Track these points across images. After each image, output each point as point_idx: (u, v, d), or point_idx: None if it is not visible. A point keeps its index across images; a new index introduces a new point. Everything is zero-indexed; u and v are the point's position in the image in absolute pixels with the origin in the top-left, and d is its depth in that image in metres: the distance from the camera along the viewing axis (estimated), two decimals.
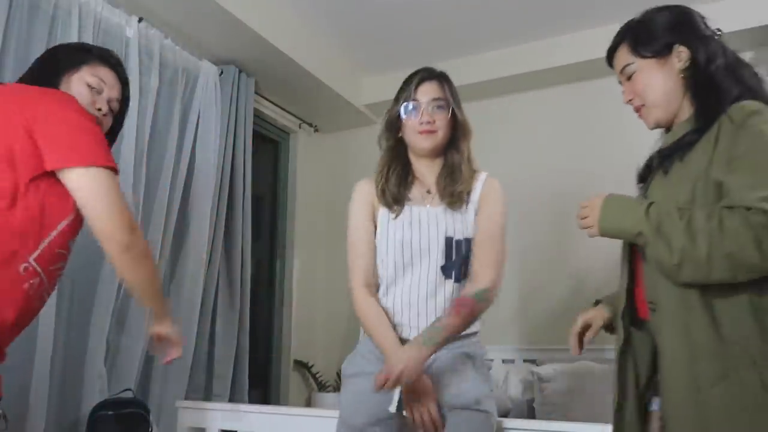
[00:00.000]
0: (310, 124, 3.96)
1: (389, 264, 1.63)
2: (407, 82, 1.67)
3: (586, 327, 1.46)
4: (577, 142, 3.46)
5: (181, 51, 2.91)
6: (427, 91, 1.64)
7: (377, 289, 1.65)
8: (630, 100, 1.35)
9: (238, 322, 3.02)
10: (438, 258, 1.59)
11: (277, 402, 3.55)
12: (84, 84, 1.46)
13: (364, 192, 1.70)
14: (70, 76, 1.46)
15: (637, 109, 1.35)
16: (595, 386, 2.90)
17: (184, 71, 2.94)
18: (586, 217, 1.24)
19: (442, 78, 1.69)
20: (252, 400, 3.14)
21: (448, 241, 1.59)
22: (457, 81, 3.78)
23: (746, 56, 3.32)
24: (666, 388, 1.19)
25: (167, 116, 2.83)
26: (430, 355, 1.46)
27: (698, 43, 1.27)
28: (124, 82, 1.57)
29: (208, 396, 2.87)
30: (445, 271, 1.58)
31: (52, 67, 1.48)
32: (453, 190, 1.61)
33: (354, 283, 1.64)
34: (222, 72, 3.13)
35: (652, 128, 1.36)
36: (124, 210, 1.35)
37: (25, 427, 2.07)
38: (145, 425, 2.23)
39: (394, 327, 1.58)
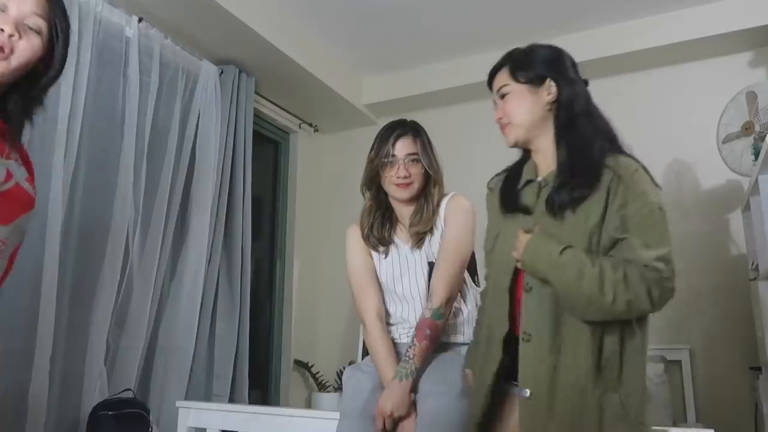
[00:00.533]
0: (310, 124, 3.96)
1: (390, 296, 1.85)
2: (385, 138, 1.83)
3: None
4: None
5: (181, 51, 2.91)
6: (403, 147, 1.81)
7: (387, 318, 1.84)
8: (500, 119, 1.48)
9: (238, 322, 3.02)
10: (423, 288, 1.79)
11: (277, 402, 3.55)
12: None
13: (357, 235, 1.89)
14: None
15: (503, 127, 1.48)
16: None
17: (184, 71, 2.94)
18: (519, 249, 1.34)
19: (415, 133, 1.85)
20: (252, 400, 3.14)
21: (431, 265, 1.80)
22: (456, 81, 3.82)
23: (746, 56, 3.35)
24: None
25: (167, 116, 2.83)
26: (412, 384, 1.64)
27: (565, 84, 1.44)
28: None
29: (208, 396, 2.87)
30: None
31: None
32: (414, 231, 1.82)
33: (366, 317, 1.81)
34: (222, 72, 3.13)
35: (511, 146, 1.50)
36: None
37: (25, 427, 2.07)
38: (145, 425, 2.23)
39: (397, 351, 1.76)
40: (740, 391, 2.90)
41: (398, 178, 1.79)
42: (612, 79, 3.44)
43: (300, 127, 3.93)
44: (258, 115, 3.52)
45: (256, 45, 3.01)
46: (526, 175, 1.48)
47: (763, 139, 2.60)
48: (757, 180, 2.34)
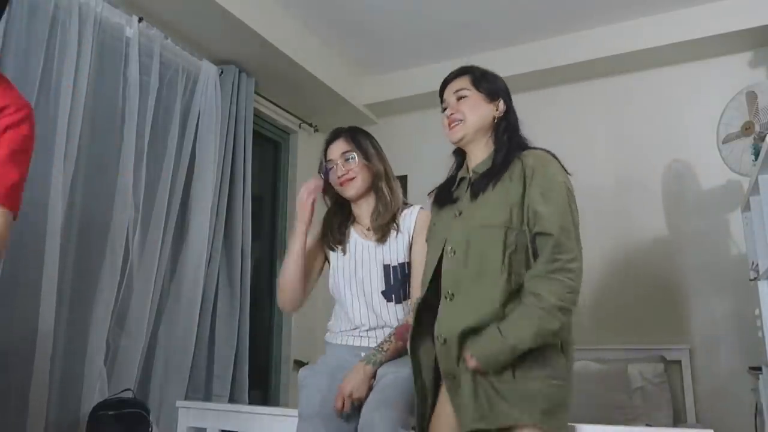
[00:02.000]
0: (310, 124, 3.97)
1: (342, 293, 1.92)
2: (323, 149, 1.97)
3: None
4: (575, 141, 3.46)
5: (181, 51, 2.91)
6: (336, 149, 1.92)
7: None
8: (453, 114, 1.68)
9: (238, 322, 3.02)
10: (378, 284, 1.86)
11: (277, 402, 3.55)
12: None
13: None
14: None
15: (454, 122, 1.67)
16: (594, 386, 2.89)
17: (184, 71, 2.94)
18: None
19: (347, 133, 1.96)
20: (252, 401, 3.14)
21: (386, 268, 1.87)
22: None
23: (746, 56, 3.34)
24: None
25: (167, 116, 2.83)
26: (374, 370, 1.72)
27: (510, 107, 1.74)
28: None
29: (208, 396, 2.87)
30: (386, 294, 1.85)
31: None
32: (378, 226, 1.88)
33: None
34: (222, 72, 3.13)
35: (456, 141, 1.69)
36: None
37: (26, 427, 2.07)
38: (145, 425, 2.23)
39: (353, 331, 1.88)
40: (740, 391, 2.90)
41: (339, 177, 1.89)
42: (612, 79, 3.44)
43: (300, 127, 3.93)
44: (258, 115, 3.52)
45: (256, 45, 3.01)
46: (461, 175, 1.73)
47: (763, 139, 2.60)
48: (757, 180, 2.34)
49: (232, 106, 3.14)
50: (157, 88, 2.75)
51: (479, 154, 1.68)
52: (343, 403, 1.66)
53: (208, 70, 3.04)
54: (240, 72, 3.21)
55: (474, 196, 1.59)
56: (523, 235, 1.50)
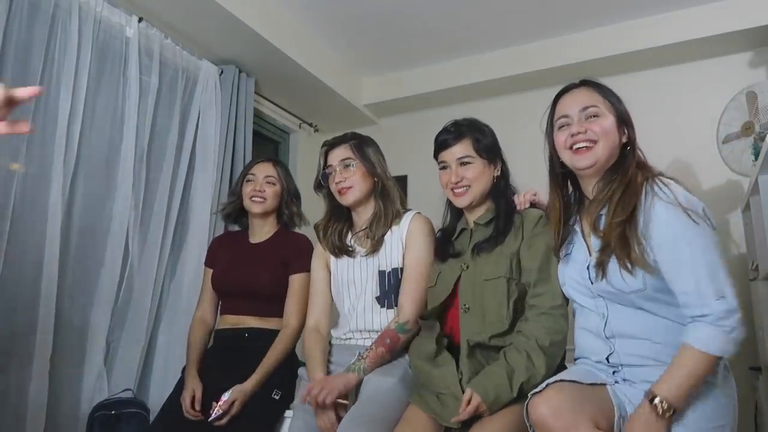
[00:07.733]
0: (310, 124, 3.97)
1: (342, 298, 1.94)
2: (321, 153, 2.00)
3: None
4: None
5: (181, 51, 2.91)
6: (336, 155, 1.93)
7: (329, 326, 1.98)
8: (459, 182, 1.76)
9: None
10: (373, 290, 1.87)
11: None
12: None
13: (319, 250, 2.04)
14: None
15: (463, 191, 1.77)
16: None
17: (184, 71, 2.94)
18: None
19: (350, 140, 1.96)
20: None
21: (381, 274, 1.87)
22: (456, 81, 3.81)
23: (746, 56, 3.35)
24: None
25: (167, 116, 2.83)
26: (357, 379, 1.72)
27: (504, 164, 1.88)
28: None
29: None
30: (380, 300, 1.87)
31: None
32: (374, 235, 1.89)
33: (308, 322, 1.99)
34: (222, 72, 3.13)
35: (464, 206, 1.79)
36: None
37: (25, 427, 2.07)
38: (145, 425, 2.23)
39: (346, 340, 1.90)
40: (740, 391, 2.89)
41: (336, 184, 1.89)
42: (612, 79, 3.40)
43: (300, 127, 3.93)
44: (258, 115, 3.52)
45: (256, 45, 3.01)
46: (460, 226, 1.85)
47: (763, 139, 2.60)
48: (757, 180, 2.34)
49: (232, 106, 3.14)
50: (157, 88, 2.75)
51: (478, 211, 1.81)
52: (309, 397, 1.69)
53: (208, 70, 3.04)
54: (240, 72, 3.21)
55: (478, 252, 1.72)
56: (522, 285, 1.67)
